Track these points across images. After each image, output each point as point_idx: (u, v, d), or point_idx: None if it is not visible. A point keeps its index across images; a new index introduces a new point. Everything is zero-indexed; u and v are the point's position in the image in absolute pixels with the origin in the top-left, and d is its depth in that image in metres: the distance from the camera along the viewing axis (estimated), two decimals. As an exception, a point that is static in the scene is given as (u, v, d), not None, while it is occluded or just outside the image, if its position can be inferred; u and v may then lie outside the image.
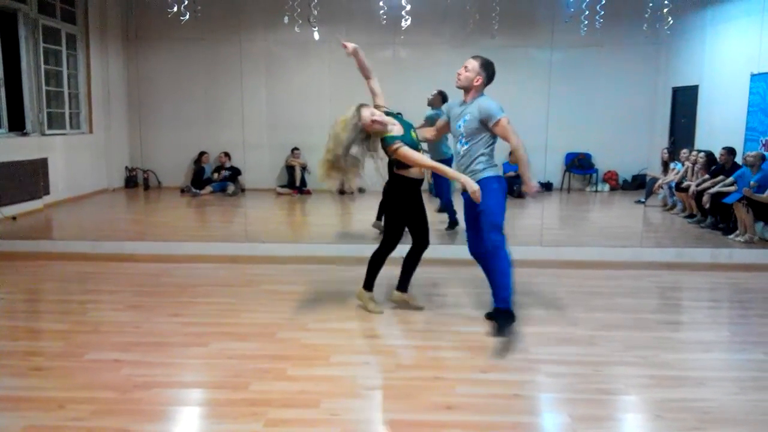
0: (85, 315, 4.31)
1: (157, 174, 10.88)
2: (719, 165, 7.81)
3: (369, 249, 5.84)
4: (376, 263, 4.27)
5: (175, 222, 8.35)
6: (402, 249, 4.23)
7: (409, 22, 6.79)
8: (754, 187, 6.76)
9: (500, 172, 3.91)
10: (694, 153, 8.48)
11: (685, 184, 8.31)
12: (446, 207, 6.86)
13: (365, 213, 7.77)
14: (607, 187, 11.12)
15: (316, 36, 8.36)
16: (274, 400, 3.04)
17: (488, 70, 3.89)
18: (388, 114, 4.00)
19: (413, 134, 4.02)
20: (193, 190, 10.13)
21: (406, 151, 3.81)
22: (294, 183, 10.49)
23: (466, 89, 3.90)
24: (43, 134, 8.59)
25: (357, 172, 3.88)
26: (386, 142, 3.86)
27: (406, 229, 4.21)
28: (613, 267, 5.79)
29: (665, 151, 9.59)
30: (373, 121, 3.84)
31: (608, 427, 2.88)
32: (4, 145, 7.68)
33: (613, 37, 10.00)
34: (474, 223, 3.99)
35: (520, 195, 10.31)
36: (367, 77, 4.22)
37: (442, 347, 3.76)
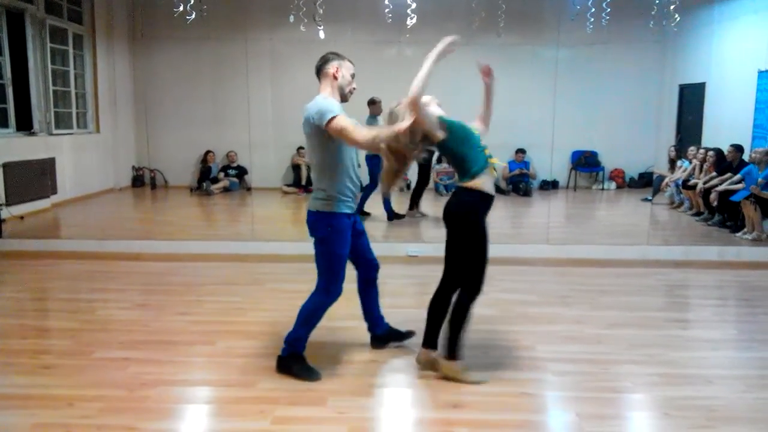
0: (93, 313, 4.33)
1: (163, 173, 10.91)
2: (727, 162, 7.77)
3: (374, 248, 5.86)
4: (462, 318, 3.19)
5: (181, 221, 8.38)
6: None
7: (414, 20, 6.79)
8: (762, 184, 6.73)
9: (335, 208, 3.14)
10: (702, 150, 8.44)
11: (692, 181, 8.27)
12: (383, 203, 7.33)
13: (370, 211, 7.77)
14: (613, 185, 11.09)
15: (322, 35, 8.37)
16: (281, 398, 3.05)
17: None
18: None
19: None
20: (211, 187, 10.14)
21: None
22: (300, 182, 10.50)
23: None
24: (51, 134, 8.62)
25: None
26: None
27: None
28: (619, 265, 5.77)
29: (672, 148, 9.56)
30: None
31: (616, 426, 2.87)
32: (12, 145, 7.72)
33: (620, 34, 9.95)
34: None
35: (526, 193, 10.31)
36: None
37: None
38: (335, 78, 3.20)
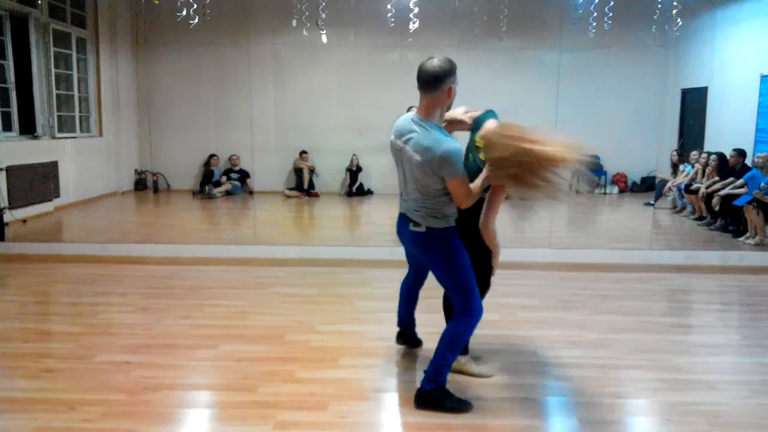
0: (96, 317, 4.34)
1: (166, 177, 10.94)
2: (729, 167, 7.76)
3: (377, 251, 5.87)
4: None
5: (184, 224, 8.39)
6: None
7: (417, 24, 6.79)
8: (765, 189, 6.72)
9: (450, 223, 3.00)
10: (704, 155, 8.44)
11: (694, 186, 8.27)
12: None
13: (373, 215, 7.78)
14: (615, 189, 11.08)
15: (324, 39, 8.40)
16: (283, 403, 3.04)
17: None
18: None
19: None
20: (214, 191, 10.15)
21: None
22: (302, 185, 10.52)
23: None
24: (54, 137, 8.65)
25: None
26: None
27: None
28: (622, 270, 5.76)
29: (674, 152, 9.55)
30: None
31: (618, 431, 2.87)
32: (15, 148, 7.74)
33: (622, 38, 9.97)
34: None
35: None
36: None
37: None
38: (449, 96, 2.81)
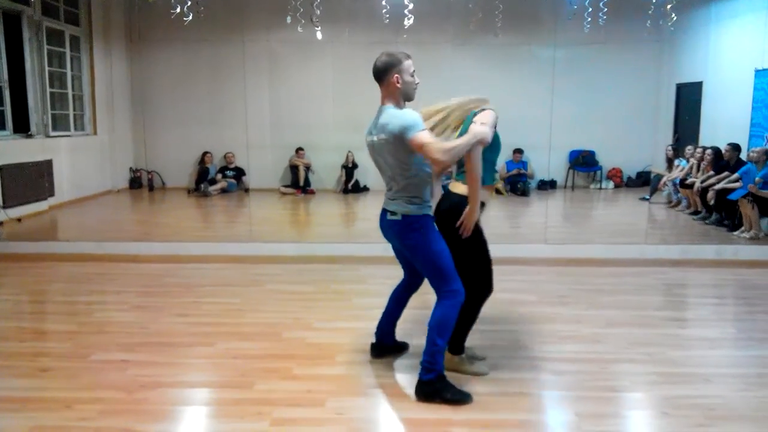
0: (91, 316, 4.33)
1: (161, 175, 10.91)
2: (724, 161, 7.78)
3: (373, 248, 5.87)
4: (471, 317, 3.30)
5: (179, 222, 8.37)
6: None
7: (411, 20, 6.78)
8: (760, 183, 6.74)
9: (424, 211, 3.09)
10: (699, 149, 8.45)
11: (689, 180, 8.28)
12: None
13: (369, 212, 7.77)
14: (611, 184, 11.10)
15: (319, 36, 8.38)
16: (280, 400, 3.04)
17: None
18: None
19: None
20: (209, 189, 10.13)
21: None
22: (298, 183, 10.50)
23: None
24: (48, 136, 8.61)
25: None
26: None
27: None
28: (617, 264, 5.78)
29: (669, 147, 9.57)
30: None
31: (614, 425, 2.88)
32: (9, 147, 7.71)
33: (617, 34, 9.98)
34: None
35: (524, 193, 10.33)
36: None
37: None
38: (396, 84, 3.01)
